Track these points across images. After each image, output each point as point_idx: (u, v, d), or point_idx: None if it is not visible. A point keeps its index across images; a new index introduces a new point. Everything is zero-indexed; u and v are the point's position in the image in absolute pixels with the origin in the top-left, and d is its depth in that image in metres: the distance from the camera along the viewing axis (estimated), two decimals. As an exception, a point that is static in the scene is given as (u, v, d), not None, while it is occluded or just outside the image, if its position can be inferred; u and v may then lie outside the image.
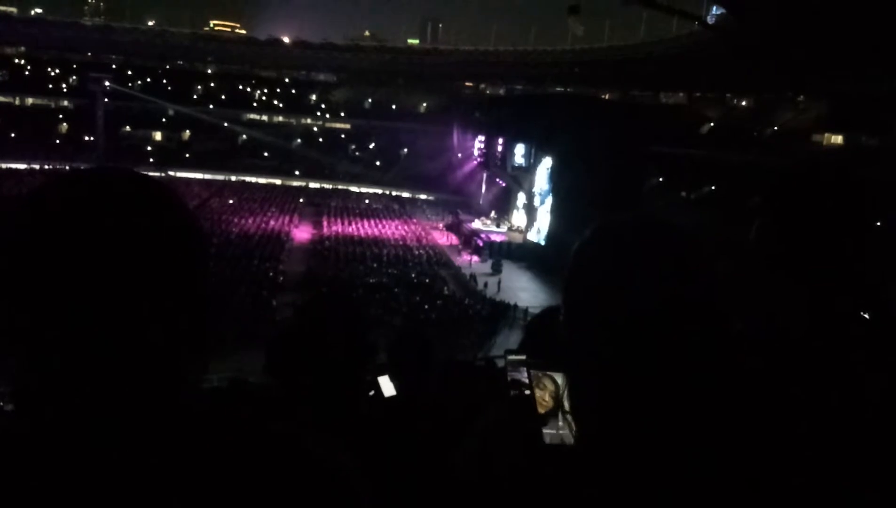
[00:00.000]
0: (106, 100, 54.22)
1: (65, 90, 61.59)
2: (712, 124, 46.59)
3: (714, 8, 30.58)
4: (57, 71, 62.82)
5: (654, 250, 0.81)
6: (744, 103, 48.57)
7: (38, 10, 70.07)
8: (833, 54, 27.12)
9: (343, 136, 63.67)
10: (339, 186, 55.55)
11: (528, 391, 0.94)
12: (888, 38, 22.72)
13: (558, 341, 0.84)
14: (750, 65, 34.13)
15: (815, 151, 36.47)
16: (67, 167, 45.32)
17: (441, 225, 43.89)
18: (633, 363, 0.77)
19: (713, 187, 37.40)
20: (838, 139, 37.22)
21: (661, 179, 39.37)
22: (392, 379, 2.25)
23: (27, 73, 62.47)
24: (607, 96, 56.96)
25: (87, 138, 53.88)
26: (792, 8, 22.82)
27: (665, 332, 0.77)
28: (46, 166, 47.76)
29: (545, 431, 0.88)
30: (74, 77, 61.27)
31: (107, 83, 54.45)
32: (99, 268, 0.62)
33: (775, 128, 41.67)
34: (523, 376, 0.95)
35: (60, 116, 59.11)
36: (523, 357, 0.98)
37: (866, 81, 30.37)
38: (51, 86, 61.64)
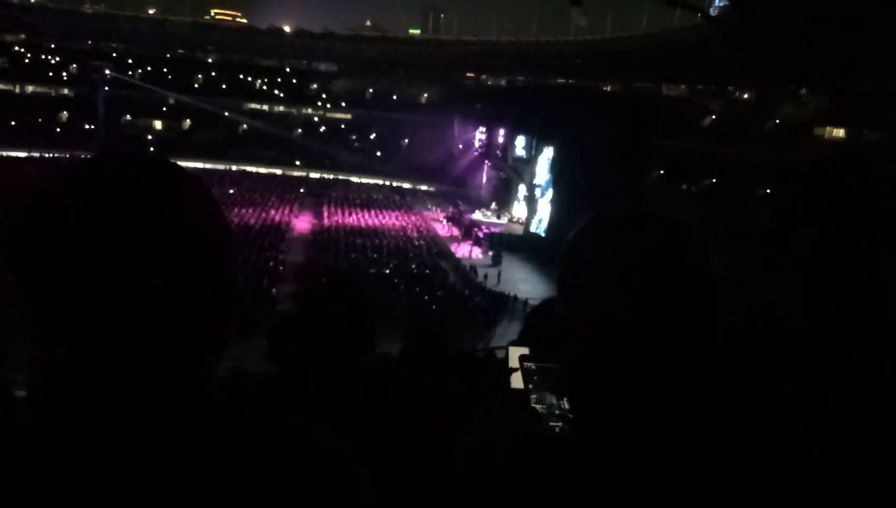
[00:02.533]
0: (106, 88, 54.06)
1: (65, 78, 61.37)
2: (714, 117, 46.47)
3: (717, 0, 30.44)
4: (57, 59, 62.57)
5: (648, 243, 0.81)
6: (745, 96, 48.39)
7: (39, -2, 69.74)
8: (835, 47, 27.01)
9: (344, 126, 63.51)
10: (340, 177, 55.45)
11: (524, 386, 0.95)
12: (889, 31, 22.62)
13: (554, 332, 0.85)
14: (752, 57, 34.00)
15: (823, 145, 36.39)
16: (68, 156, 45.35)
17: (441, 216, 43.86)
18: (626, 355, 0.77)
19: (714, 180, 37.36)
20: (840, 133, 37.15)
21: (661, 172, 39.31)
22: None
23: (27, 60, 62.21)
24: (609, 88, 56.80)
25: (87, 127, 53.74)
26: (793, 1, 22.72)
27: (659, 325, 0.77)
28: (46, 155, 47.68)
29: (541, 425, 0.90)
30: (75, 65, 61.02)
31: (107, 71, 54.29)
32: (128, 257, 0.61)
33: (777, 121, 41.55)
34: (521, 369, 0.97)
35: (60, 104, 58.93)
36: (525, 351, 1.00)
37: (868, 74, 30.27)
38: (51, 74, 61.41)
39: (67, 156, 45.31)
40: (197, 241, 0.66)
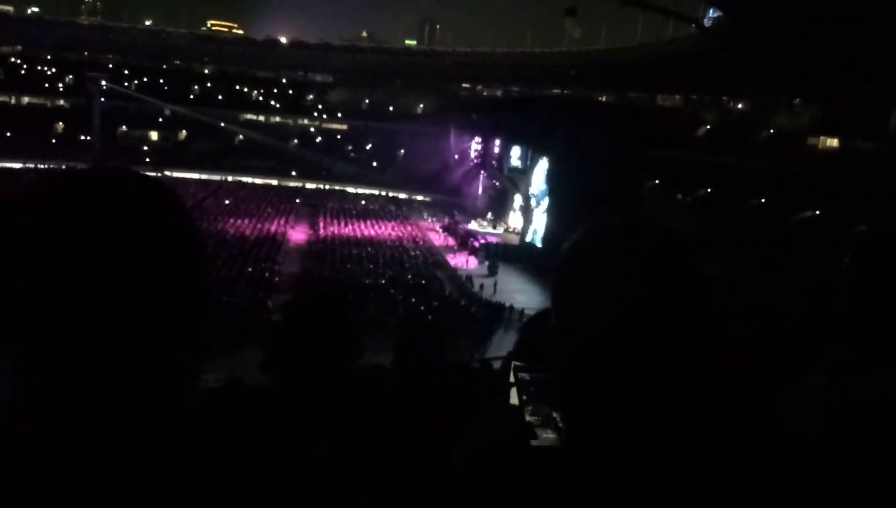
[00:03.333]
0: (102, 99, 54.08)
1: (61, 90, 61.38)
2: (708, 127, 46.68)
3: (711, 11, 30.66)
4: (53, 70, 62.60)
5: (644, 253, 0.81)
6: (740, 106, 48.66)
7: (35, 9, 69.85)
8: (827, 58, 27.22)
9: (340, 136, 63.62)
10: (336, 187, 55.50)
11: (519, 397, 0.95)
12: (880, 41, 22.82)
13: (549, 343, 0.85)
14: (746, 68, 34.23)
15: (817, 156, 36.60)
16: (63, 167, 45.20)
17: (437, 226, 43.90)
18: (621, 366, 0.77)
19: (709, 190, 37.48)
20: (833, 143, 37.34)
21: (657, 181, 39.44)
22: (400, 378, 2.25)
23: (23, 72, 62.21)
24: (604, 98, 57.05)
25: (83, 138, 53.70)
26: (786, 12, 22.91)
27: (655, 335, 0.76)
28: (42, 166, 47.60)
29: (536, 437, 0.89)
30: (71, 76, 61.03)
31: (103, 83, 54.29)
32: (95, 267, 0.62)
33: (771, 131, 41.76)
34: (516, 381, 0.96)
35: (56, 115, 58.91)
36: (521, 363, 0.99)
37: (860, 84, 30.48)
38: (47, 85, 61.42)
39: (63, 167, 45.18)
40: (167, 247, 0.67)
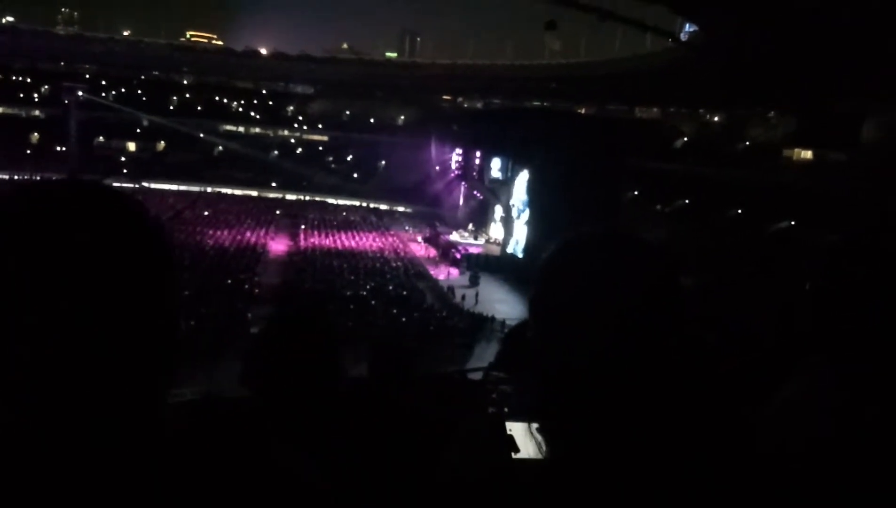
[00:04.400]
0: (79, 110, 53.44)
1: (37, 100, 60.56)
2: (686, 139, 47.34)
3: (687, 25, 31.15)
4: (29, 80, 61.77)
5: (626, 263, 0.81)
6: (716, 119, 49.44)
7: (10, 18, 68.92)
8: (802, 72, 27.79)
9: (320, 148, 63.47)
10: (317, 198, 55.30)
11: (500, 409, 0.94)
12: (853, 57, 23.37)
13: (528, 354, 0.84)
14: (722, 81, 34.79)
15: (792, 167, 37.22)
16: (38, 177, 44.46)
17: (419, 237, 43.89)
18: (604, 375, 0.77)
19: (687, 201, 37.95)
20: (808, 154, 38.05)
21: (636, 193, 39.85)
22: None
23: (-2, 81, 61.34)
24: (583, 111, 57.61)
25: (59, 149, 52.98)
26: (760, 28, 23.38)
27: (637, 344, 0.77)
28: (17, 177, 46.81)
29: (516, 448, 0.88)
30: (47, 87, 60.27)
31: (80, 93, 53.67)
32: (59, 280, 0.61)
33: (747, 143, 42.47)
34: (497, 393, 0.96)
35: (32, 125, 58.07)
36: (500, 374, 0.99)
37: (834, 98, 31.16)
38: (22, 95, 60.56)
39: (38, 178, 44.45)
40: (134, 259, 0.66)
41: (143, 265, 0.67)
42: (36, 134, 57.07)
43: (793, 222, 29.86)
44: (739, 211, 33.87)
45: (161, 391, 0.70)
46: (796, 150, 38.77)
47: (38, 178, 0.70)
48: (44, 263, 0.61)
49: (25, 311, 0.60)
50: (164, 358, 0.69)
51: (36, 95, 60.90)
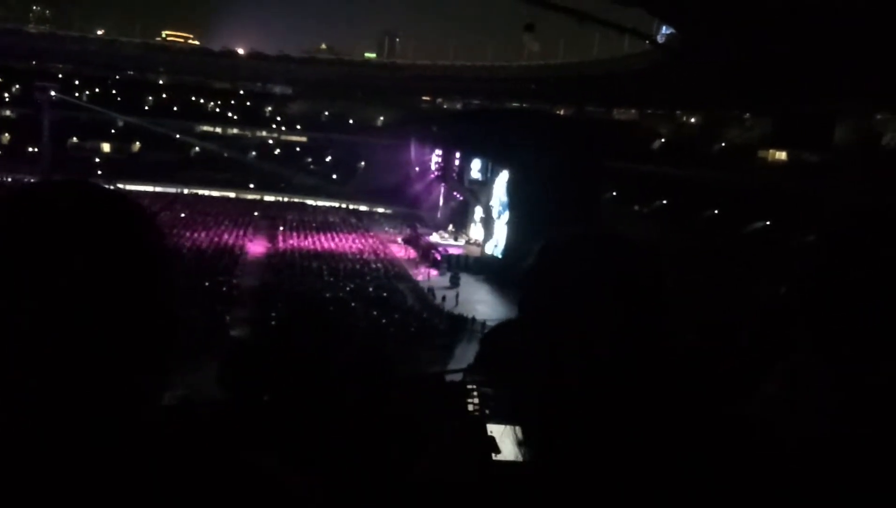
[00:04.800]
0: (52, 110, 52.49)
1: (7, 99, 59.40)
2: (663, 140, 47.85)
3: (664, 28, 31.50)
4: (0, 79, 60.59)
5: (609, 264, 0.81)
6: (693, 120, 50.03)
7: (-20, 17, 67.50)
8: (776, 75, 28.24)
9: (299, 148, 63.05)
10: (296, 200, 54.94)
11: (480, 412, 0.94)
12: (826, 60, 23.81)
13: (515, 355, 0.84)
14: (698, 83, 35.22)
15: (767, 167, 37.78)
16: (9, 179, 43.66)
17: (399, 238, 43.81)
18: (597, 372, 0.77)
19: (664, 201, 38.36)
20: (782, 155, 38.68)
21: (614, 193, 40.19)
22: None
23: (-33, 81, 60.08)
24: (562, 112, 57.94)
25: (31, 149, 52.02)
26: (734, 30, 23.72)
27: (630, 341, 0.77)
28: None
29: (497, 450, 0.88)
30: (18, 86, 59.14)
31: (53, 93, 52.72)
32: (54, 281, 0.60)
33: (723, 144, 43.04)
34: (477, 395, 0.95)
35: (3, 126, 56.97)
36: (478, 377, 0.98)
37: (807, 101, 31.71)
38: (-8, 95, 59.45)
39: (9, 179, 43.68)
40: (126, 263, 0.65)
41: (138, 264, 0.66)
42: (7, 134, 55.99)
43: (768, 223, 30.33)
44: (716, 211, 34.32)
45: (156, 390, 0.70)
46: (771, 151, 39.40)
47: (32, 180, 0.74)
48: (38, 263, 0.61)
49: (20, 311, 0.60)
50: (160, 357, 0.69)
51: (7, 95, 59.74)
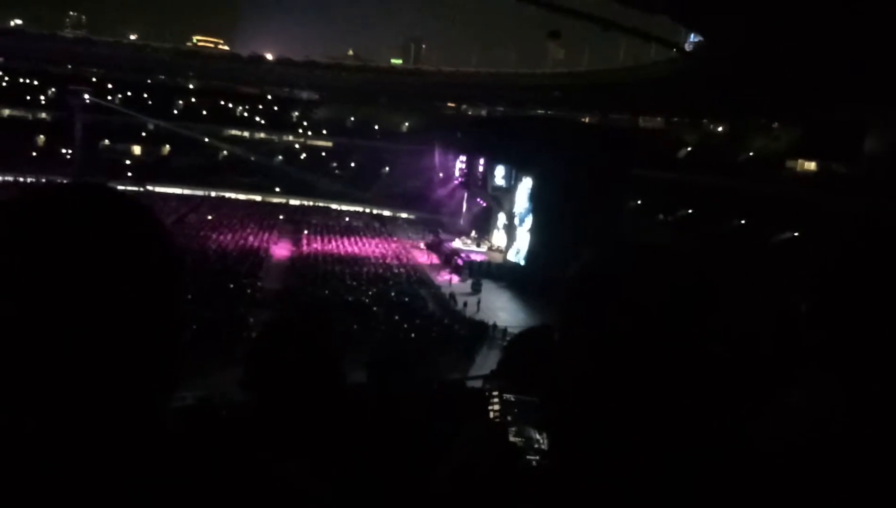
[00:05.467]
0: (85, 113, 53.64)
1: (43, 102, 60.84)
2: (689, 149, 47.36)
3: (691, 35, 31.23)
4: (36, 83, 62.06)
5: (663, 275, 0.81)
6: (720, 129, 49.47)
7: (18, 21, 69.31)
8: (805, 83, 27.83)
9: (324, 153, 63.59)
10: (320, 204, 55.38)
11: (503, 418, 0.94)
12: (857, 68, 23.39)
13: (545, 365, 0.83)
14: (726, 91, 34.83)
15: (795, 177, 37.18)
16: (44, 180, 44.66)
17: (421, 244, 43.89)
18: (642, 385, 0.77)
19: (689, 210, 37.94)
20: (811, 166, 38.03)
21: (639, 202, 39.86)
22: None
23: (5, 84, 61.63)
24: (587, 119, 57.68)
25: (64, 151, 53.18)
26: (764, 38, 23.43)
27: (676, 353, 0.77)
28: (21, 179, 47.01)
29: (521, 459, 0.88)
30: (53, 89, 60.54)
31: (86, 96, 53.88)
32: (63, 283, 0.61)
33: (750, 153, 42.46)
34: (500, 402, 0.95)
35: (38, 128, 58.32)
36: (503, 382, 0.98)
37: (837, 109, 31.18)
38: (29, 98, 60.85)
39: (43, 180, 44.67)
40: (138, 263, 0.66)
41: (145, 268, 0.67)
42: (42, 136, 57.30)
43: (795, 233, 29.82)
44: (742, 221, 33.85)
45: (162, 394, 0.69)
46: (800, 161, 38.76)
47: (43, 182, 0.73)
48: (49, 265, 0.61)
49: (31, 313, 0.60)
50: (165, 362, 0.69)
51: (42, 98, 61.19)
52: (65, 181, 0.74)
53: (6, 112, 60.08)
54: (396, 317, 24.51)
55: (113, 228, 0.66)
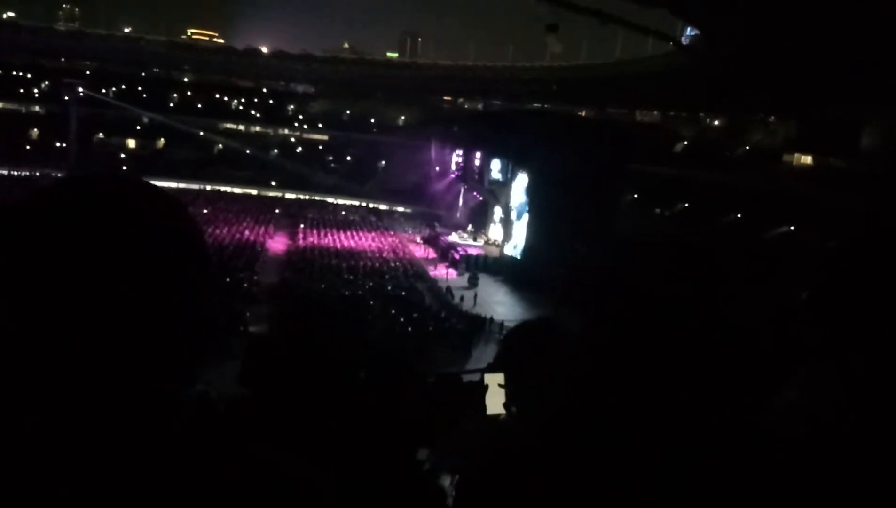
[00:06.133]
0: (79, 106, 53.39)
1: (37, 96, 60.50)
2: (686, 143, 47.40)
3: (688, 29, 31.17)
4: (29, 76, 61.69)
5: (651, 275, 0.82)
6: (716, 123, 49.50)
7: (11, 14, 68.80)
8: (802, 78, 27.84)
9: (321, 147, 63.44)
10: (316, 198, 55.30)
11: (501, 410, 0.94)
12: (853, 63, 23.41)
13: (547, 358, 0.84)
14: (722, 86, 34.80)
15: (791, 172, 37.25)
16: (38, 173, 44.49)
17: (418, 238, 43.88)
18: (625, 381, 0.78)
19: (686, 205, 37.99)
20: (808, 160, 38.09)
21: (635, 196, 39.89)
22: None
23: (-3, 77, 61.26)
24: (583, 113, 57.64)
25: (58, 145, 52.95)
26: (761, 32, 23.41)
27: (663, 353, 0.78)
28: (15, 173, 46.82)
29: (520, 446, 0.88)
30: (47, 82, 60.21)
31: (80, 89, 53.62)
32: (102, 274, 0.61)
33: (747, 148, 42.51)
34: (495, 394, 0.95)
35: (32, 121, 58.02)
36: (496, 377, 0.98)
37: (834, 104, 31.21)
38: (22, 91, 60.47)
39: (37, 174, 44.53)
40: (168, 257, 0.66)
41: (183, 258, 0.67)
42: (36, 130, 57.02)
43: (792, 228, 29.90)
44: (739, 215, 33.91)
45: (181, 388, 0.70)
46: (796, 155, 38.83)
47: (73, 174, 0.74)
48: (86, 257, 0.61)
49: (61, 303, 0.60)
50: (191, 353, 0.69)
51: (36, 91, 60.82)
52: (80, 175, 0.73)
53: None
54: (393, 311, 24.53)
55: (152, 221, 0.66)
